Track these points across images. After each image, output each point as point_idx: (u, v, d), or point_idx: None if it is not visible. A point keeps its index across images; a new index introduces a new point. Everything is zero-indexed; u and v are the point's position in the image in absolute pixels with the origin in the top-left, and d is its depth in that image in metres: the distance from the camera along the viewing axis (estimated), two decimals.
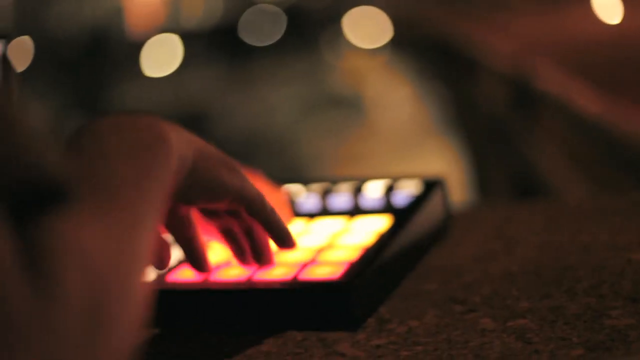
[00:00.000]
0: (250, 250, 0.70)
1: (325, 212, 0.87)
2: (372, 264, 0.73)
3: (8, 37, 0.87)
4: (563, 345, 0.62)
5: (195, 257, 0.68)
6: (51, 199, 0.44)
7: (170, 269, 0.77)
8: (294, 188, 0.90)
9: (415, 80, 5.37)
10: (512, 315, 0.68)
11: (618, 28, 3.31)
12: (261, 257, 0.70)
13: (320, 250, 0.77)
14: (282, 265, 0.75)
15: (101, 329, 0.44)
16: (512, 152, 2.66)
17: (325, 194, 0.88)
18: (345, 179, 0.91)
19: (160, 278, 0.76)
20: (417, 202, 0.84)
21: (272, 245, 0.70)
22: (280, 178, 0.87)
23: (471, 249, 0.84)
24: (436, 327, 0.68)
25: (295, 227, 0.84)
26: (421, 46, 4.43)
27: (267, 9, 8.40)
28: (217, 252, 0.76)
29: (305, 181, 0.92)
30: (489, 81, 2.83)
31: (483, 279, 0.76)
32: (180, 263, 0.77)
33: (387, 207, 0.84)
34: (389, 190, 0.86)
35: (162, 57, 7.86)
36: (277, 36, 8.17)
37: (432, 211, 0.85)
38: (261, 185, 0.77)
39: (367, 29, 7.60)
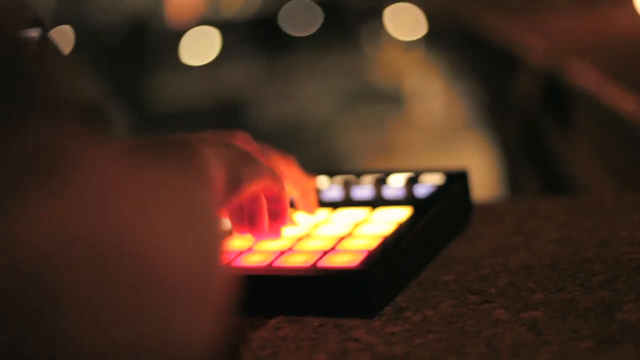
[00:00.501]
0: (246, 216, 0.73)
1: (348, 202, 0.88)
2: (390, 253, 0.74)
3: (43, 26, 0.90)
4: (573, 338, 0.63)
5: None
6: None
7: None
8: (319, 179, 0.92)
9: (450, 74, 5.36)
10: (526, 307, 0.69)
11: None
12: (256, 224, 0.73)
13: (341, 239, 0.79)
14: (303, 253, 0.77)
15: None
16: (543, 148, 2.66)
17: (349, 185, 0.90)
18: (369, 171, 0.92)
19: None
20: (438, 194, 0.85)
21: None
22: (312, 169, 0.89)
23: (491, 242, 0.85)
24: (451, 317, 0.69)
25: (319, 216, 0.85)
26: (456, 40, 4.42)
27: (307, 1, 8.42)
28: (239, 239, 0.78)
29: (331, 172, 0.93)
30: (523, 77, 2.83)
31: (500, 271, 0.77)
32: None
33: (409, 198, 0.86)
34: (412, 182, 0.88)
35: (201, 46, 7.90)
36: (316, 27, 8.18)
37: (453, 203, 0.86)
38: (293, 171, 0.79)
39: (405, 22, 7.60)
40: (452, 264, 0.80)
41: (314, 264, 0.74)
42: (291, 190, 0.81)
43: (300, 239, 0.80)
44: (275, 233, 0.74)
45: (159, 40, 7.98)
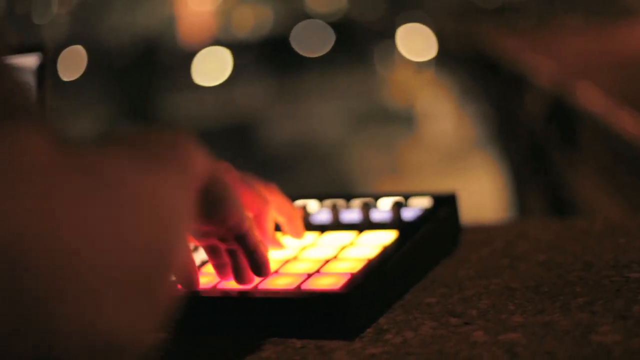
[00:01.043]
0: (232, 268, 0.74)
1: (337, 225, 0.89)
2: (373, 276, 0.76)
3: (44, 51, 0.91)
4: (548, 359, 0.64)
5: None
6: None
7: None
8: (307, 203, 0.93)
9: (460, 95, 5.38)
10: (505, 329, 0.70)
11: None
12: (242, 277, 0.74)
13: (326, 262, 0.80)
14: (289, 275, 0.78)
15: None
16: (549, 170, 2.67)
17: (338, 208, 0.91)
18: (359, 195, 0.94)
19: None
20: (425, 217, 0.86)
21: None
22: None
23: (477, 265, 0.86)
24: (430, 339, 0.70)
25: (307, 239, 0.87)
26: (466, 61, 4.44)
27: (319, 22, 8.46)
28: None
29: (320, 196, 0.95)
30: (531, 99, 2.84)
31: (483, 293, 0.78)
32: None
33: (395, 222, 0.87)
34: (400, 205, 0.89)
35: (213, 67, 7.94)
36: (327, 48, 8.22)
37: (439, 226, 0.87)
38: (276, 198, 0.80)
39: (416, 43, 7.62)
40: (436, 287, 0.81)
41: (298, 287, 0.75)
42: (277, 217, 0.82)
43: (287, 261, 0.81)
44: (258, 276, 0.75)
45: (171, 60, 8.02)
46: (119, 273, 0.45)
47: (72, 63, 7.31)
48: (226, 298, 0.76)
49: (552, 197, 2.70)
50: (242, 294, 0.76)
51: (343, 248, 0.83)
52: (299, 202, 0.92)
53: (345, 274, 0.76)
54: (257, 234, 0.75)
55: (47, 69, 0.89)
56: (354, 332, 0.72)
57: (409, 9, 7.80)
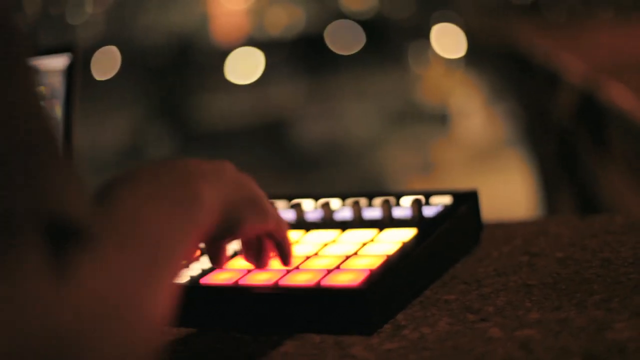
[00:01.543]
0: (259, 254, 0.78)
1: (358, 223, 0.91)
2: (391, 273, 0.77)
3: (74, 51, 0.93)
4: (562, 355, 0.65)
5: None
6: (73, 238, 0.49)
7: (205, 273, 0.82)
8: (330, 201, 0.94)
9: (491, 93, 5.37)
10: (520, 326, 0.71)
11: None
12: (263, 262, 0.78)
13: (346, 258, 0.81)
14: (309, 272, 0.79)
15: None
16: (579, 168, 2.66)
17: (360, 206, 0.92)
18: (381, 193, 0.95)
19: (195, 281, 0.81)
20: (445, 214, 0.87)
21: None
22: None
23: (496, 262, 0.87)
24: (447, 334, 0.71)
25: (328, 235, 0.88)
26: (497, 59, 4.42)
27: (351, 21, 8.46)
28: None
29: (343, 195, 0.96)
30: (561, 96, 2.83)
31: (500, 290, 0.79)
32: (212, 269, 0.82)
33: (416, 219, 0.88)
34: (421, 203, 0.90)
35: (246, 65, 7.97)
36: (360, 46, 8.22)
37: (459, 223, 0.88)
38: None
39: (450, 41, 7.60)
40: (455, 283, 0.82)
41: (318, 283, 0.76)
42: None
43: (307, 257, 0.83)
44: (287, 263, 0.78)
45: (204, 59, 8.06)
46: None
47: (106, 63, 7.37)
48: (247, 294, 0.78)
49: (581, 195, 2.70)
50: (263, 290, 0.77)
51: (364, 245, 0.84)
52: (322, 200, 0.94)
53: (365, 270, 0.77)
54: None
55: (76, 69, 0.91)
56: (372, 327, 0.73)
57: (442, 6, 7.78)
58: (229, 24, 8.61)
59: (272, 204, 0.75)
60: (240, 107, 7.18)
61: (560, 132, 2.85)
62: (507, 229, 0.99)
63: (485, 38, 4.97)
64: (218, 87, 7.62)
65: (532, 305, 0.75)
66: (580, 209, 2.68)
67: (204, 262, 0.84)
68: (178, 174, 0.63)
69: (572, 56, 2.98)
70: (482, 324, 0.72)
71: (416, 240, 0.83)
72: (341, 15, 8.49)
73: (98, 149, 5.82)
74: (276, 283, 0.78)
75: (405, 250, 0.81)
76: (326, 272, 0.78)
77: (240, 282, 0.79)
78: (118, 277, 0.50)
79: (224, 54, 8.07)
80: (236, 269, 0.82)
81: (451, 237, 0.87)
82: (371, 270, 0.77)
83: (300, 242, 0.88)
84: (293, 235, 0.86)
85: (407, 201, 0.92)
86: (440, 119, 6.10)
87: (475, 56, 6.27)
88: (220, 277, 0.81)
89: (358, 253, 0.82)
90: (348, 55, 8.11)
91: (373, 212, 0.92)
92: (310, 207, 0.96)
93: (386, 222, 0.89)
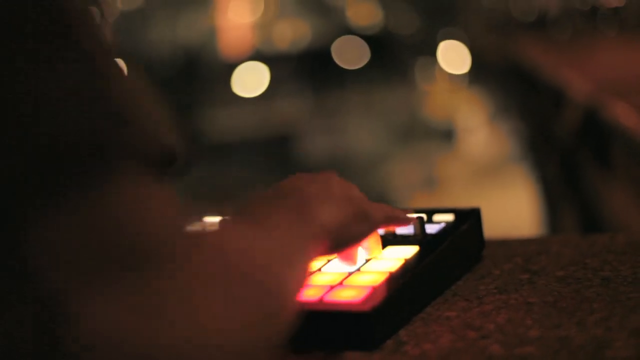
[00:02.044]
0: None
1: None
2: (394, 289, 0.78)
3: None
4: None
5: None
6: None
7: None
8: None
9: (495, 109, 5.39)
10: (521, 343, 0.72)
11: None
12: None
13: (349, 274, 0.82)
14: (312, 287, 0.80)
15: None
16: (582, 186, 2.67)
17: None
18: None
19: None
20: (447, 232, 0.88)
21: None
22: None
23: (498, 280, 0.88)
24: (448, 351, 0.72)
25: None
26: (502, 76, 4.44)
27: (357, 36, 8.48)
28: None
29: None
30: (565, 114, 2.84)
31: (502, 307, 0.80)
32: None
33: (418, 236, 0.89)
34: (424, 220, 0.91)
35: (253, 79, 8.00)
36: (365, 61, 8.25)
37: (461, 241, 0.89)
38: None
39: (455, 57, 7.63)
40: (457, 300, 0.83)
41: (321, 299, 0.77)
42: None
43: (311, 273, 0.84)
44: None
45: (211, 73, 8.10)
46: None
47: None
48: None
49: (585, 213, 2.70)
50: None
51: (367, 261, 0.85)
52: None
53: (367, 286, 0.78)
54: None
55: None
56: (374, 343, 0.74)
57: (447, 23, 7.81)
58: (236, 38, 8.65)
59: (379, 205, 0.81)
60: (247, 120, 7.20)
61: (564, 150, 2.86)
62: (509, 247, 1.00)
63: (490, 55, 4.99)
64: (225, 100, 7.64)
65: (532, 322, 0.76)
66: (583, 227, 2.69)
67: None
68: (297, 194, 0.68)
69: (576, 74, 3.00)
70: (482, 341, 0.73)
71: (418, 257, 0.84)
72: (347, 30, 8.52)
73: None
74: None
75: (408, 267, 0.82)
76: (329, 288, 0.79)
77: None
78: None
79: (230, 67, 8.09)
80: None
81: (453, 255, 0.88)
82: (374, 287, 0.78)
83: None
84: None
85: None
86: (445, 135, 6.11)
87: (480, 73, 6.29)
88: None
89: (361, 270, 0.83)
90: (354, 70, 8.13)
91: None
92: None
93: (389, 239, 0.90)
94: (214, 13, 8.81)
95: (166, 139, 0.51)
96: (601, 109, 2.46)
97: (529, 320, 0.77)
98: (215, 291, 0.51)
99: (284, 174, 0.76)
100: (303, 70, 8.12)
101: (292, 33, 8.61)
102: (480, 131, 5.83)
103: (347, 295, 0.77)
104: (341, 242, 0.74)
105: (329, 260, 0.87)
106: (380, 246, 0.86)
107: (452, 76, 7.50)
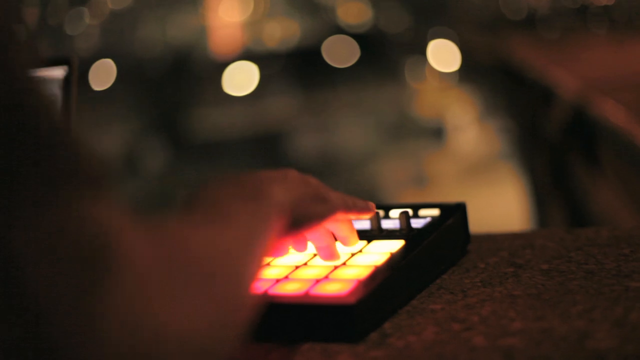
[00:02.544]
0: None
1: None
2: (379, 283, 0.78)
3: (70, 64, 0.95)
4: None
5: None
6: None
7: None
8: None
9: (485, 107, 5.40)
10: (504, 335, 0.73)
11: None
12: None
13: (335, 268, 0.83)
14: (298, 281, 0.81)
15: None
16: (570, 182, 2.68)
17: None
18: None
19: None
20: (432, 226, 0.89)
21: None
22: None
23: (483, 273, 0.89)
24: (432, 343, 0.73)
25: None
26: (491, 74, 4.45)
27: (347, 35, 8.49)
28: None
29: None
30: (553, 112, 2.85)
31: (486, 300, 0.81)
32: None
33: (404, 231, 0.90)
34: (409, 215, 0.91)
35: (243, 78, 8.00)
36: (354, 59, 8.25)
37: (446, 235, 0.90)
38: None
39: (445, 56, 7.64)
40: (441, 294, 0.84)
41: (307, 292, 0.78)
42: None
43: (297, 267, 0.84)
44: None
45: (201, 71, 8.09)
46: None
47: (104, 73, 7.39)
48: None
49: (572, 208, 2.72)
50: None
51: (352, 255, 0.86)
52: None
53: (352, 280, 0.79)
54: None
55: (72, 81, 0.93)
56: (359, 335, 0.74)
57: (437, 21, 7.82)
58: (226, 37, 8.64)
59: (339, 193, 0.82)
60: (236, 119, 7.19)
61: (552, 147, 2.87)
62: (495, 241, 1.01)
63: (480, 53, 5.00)
64: (215, 99, 7.64)
65: (516, 315, 0.77)
66: (571, 222, 2.70)
67: None
68: (251, 179, 0.71)
69: (565, 72, 3.01)
70: (466, 332, 0.74)
71: (404, 251, 0.84)
72: (337, 29, 8.53)
73: None
74: (265, 292, 0.79)
75: (393, 261, 0.82)
76: (315, 281, 0.80)
77: None
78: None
79: (220, 66, 8.09)
80: None
81: (438, 249, 0.89)
82: (359, 281, 0.78)
83: (290, 252, 0.89)
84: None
85: (396, 213, 0.94)
86: (434, 133, 6.12)
87: (470, 71, 6.30)
88: None
89: (347, 263, 0.84)
90: (343, 69, 8.14)
91: (362, 223, 0.93)
92: None
93: (375, 233, 0.91)
94: (204, 12, 8.80)
95: (94, 158, 0.52)
96: (589, 106, 2.47)
97: (512, 313, 0.77)
98: (175, 286, 0.52)
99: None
100: (293, 68, 8.12)
101: (282, 32, 8.61)
102: (469, 129, 5.84)
103: (333, 289, 0.78)
104: (300, 219, 0.75)
105: (315, 255, 0.87)
106: (357, 236, 0.87)
107: (441, 74, 7.51)
